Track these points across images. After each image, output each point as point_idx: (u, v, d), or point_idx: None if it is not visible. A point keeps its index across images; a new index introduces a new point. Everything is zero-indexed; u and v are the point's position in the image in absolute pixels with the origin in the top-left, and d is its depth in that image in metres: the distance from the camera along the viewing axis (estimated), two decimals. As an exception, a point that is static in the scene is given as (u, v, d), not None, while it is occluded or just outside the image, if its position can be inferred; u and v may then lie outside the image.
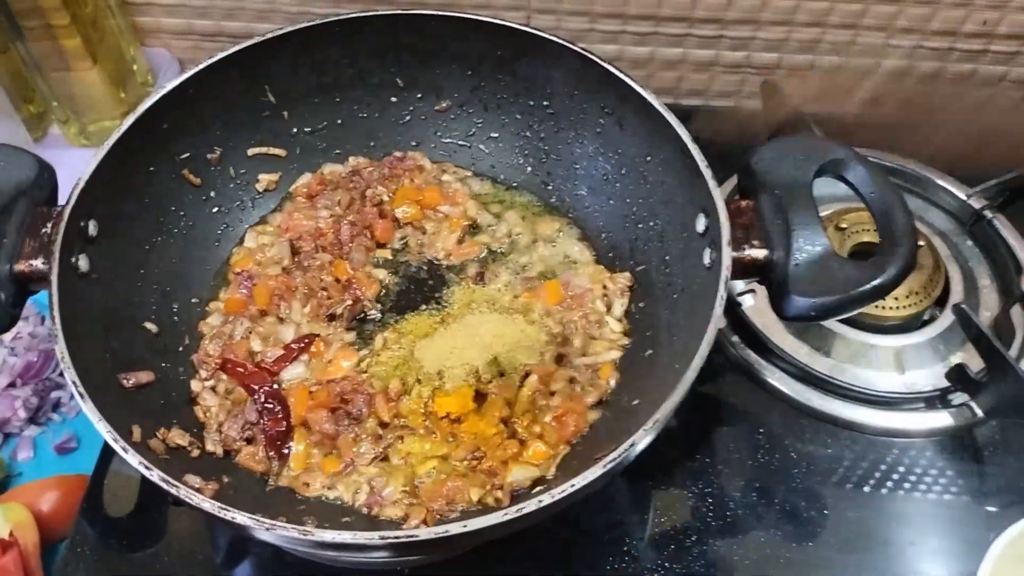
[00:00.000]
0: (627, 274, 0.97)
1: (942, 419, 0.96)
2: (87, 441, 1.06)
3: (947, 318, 1.00)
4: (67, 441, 1.05)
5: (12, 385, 1.07)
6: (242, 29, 1.29)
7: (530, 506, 0.65)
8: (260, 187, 1.05)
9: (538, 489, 0.82)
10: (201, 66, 0.91)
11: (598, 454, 0.75)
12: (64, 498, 0.96)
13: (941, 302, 1.02)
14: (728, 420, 0.98)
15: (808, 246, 0.77)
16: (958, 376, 0.96)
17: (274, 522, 0.64)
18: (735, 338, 1.01)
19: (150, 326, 0.90)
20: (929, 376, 0.98)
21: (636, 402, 0.85)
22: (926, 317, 1.01)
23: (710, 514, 0.91)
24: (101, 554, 0.89)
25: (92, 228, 0.82)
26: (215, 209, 1.01)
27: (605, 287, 0.96)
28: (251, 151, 1.03)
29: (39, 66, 1.19)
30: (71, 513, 0.93)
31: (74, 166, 0.82)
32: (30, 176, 0.81)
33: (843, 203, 1.05)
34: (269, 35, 0.93)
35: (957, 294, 1.02)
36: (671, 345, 0.86)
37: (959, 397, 0.97)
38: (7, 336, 1.10)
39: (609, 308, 0.95)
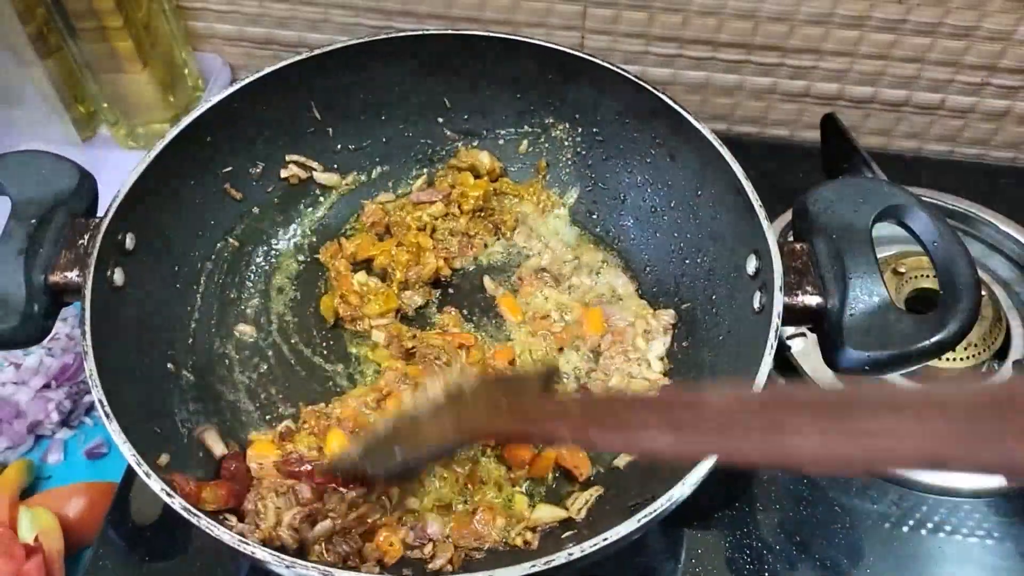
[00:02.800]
0: (671, 311, 0.94)
1: (996, 479, 0.91)
2: (118, 447, 1.05)
3: (1006, 372, 0.95)
4: (98, 446, 1.05)
5: (47, 387, 1.07)
6: (294, 38, 1.28)
7: (559, 559, 0.63)
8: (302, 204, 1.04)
9: (568, 533, 0.79)
10: (246, 80, 0.89)
11: (632, 501, 0.73)
12: (91, 505, 0.96)
13: (1001, 355, 0.97)
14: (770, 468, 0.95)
15: (865, 296, 0.74)
16: (1015, 435, 0.91)
17: (294, 560, 0.62)
18: (781, 381, 0.98)
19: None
20: (985, 434, 0.93)
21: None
22: (984, 371, 0.96)
23: (747, 567, 0.87)
24: (124, 563, 0.88)
25: (129, 241, 0.81)
26: (256, 224, 1.00)
27: (648, 323, 0.93)
28: (284, 170, 1.02)
29: (91, 67, 1.19)
30: (97, 520, 0.92)
31: (121, 167, 0.82)
32: (71, 186, 0.80)
33: (902, 246, 1.01)
34: (317, 51, 0.92)
35: (1018, 348, 0.98)
36: (714, 390, 0.83)
37: (1015, 457, 0.92)
38: (44, 337, 1.11)
39: (650, 346, 0.92)
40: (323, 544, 0.76)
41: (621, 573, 0.88)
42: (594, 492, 0.83)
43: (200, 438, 0.85)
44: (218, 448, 0.85)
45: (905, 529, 0.90)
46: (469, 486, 0.85)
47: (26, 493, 0.99)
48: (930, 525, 0.90)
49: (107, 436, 1.06)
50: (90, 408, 1.09)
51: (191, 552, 0.89)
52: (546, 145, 1.05)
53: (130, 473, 0.94)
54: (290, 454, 0.84)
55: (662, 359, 0.92)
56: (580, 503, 0.82)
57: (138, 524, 0.91)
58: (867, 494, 0.92)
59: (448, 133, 1.05)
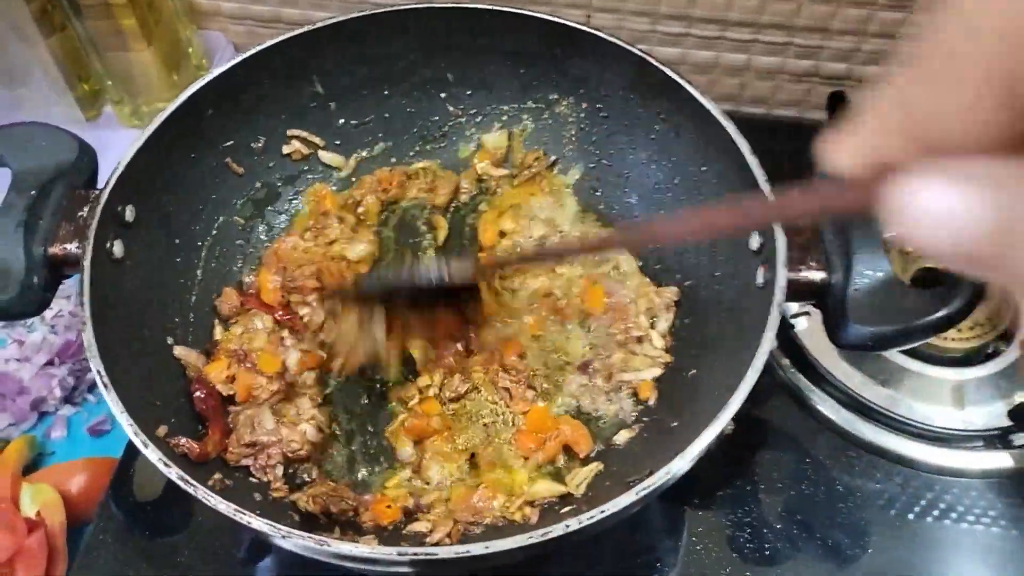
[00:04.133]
0: (674, 288, 0.93)
1: (1002, 460, 0.90)
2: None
3: (1013, 353, 0.94)
4: (101, 423, 1.05)
5: (50, 363, 1.07)
6: (299, 16, 1.27)
7: (556, 531, 0.62)
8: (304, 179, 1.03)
9: (567, 509, 0.79)
10: (248, 53, 0.89)
11: (631, 477, 0.72)
12: (93, 481, 0.96)
13: (1007, 336, 0.96)
14: (773, 446, 0.94)
15: (869, 271, 0.73)
16: (1021, 415, 0.91)
17: (290, 530, 0.62)
18: (785, 360, 0.97)
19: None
20: (990, 414, 0.93)
21: (675, 424, 0.81)
22: (990, 351, 0.96)
23: (748, 545, 0.86)
24: (126, 538, 0.88)
25: (129, 214, 0.81)
26: (257, 199, 1.00)
27: (650, 300, 0.92)
28: (286, 146, 1.01)
29: (95, 45, 1.18)
30: (99, 496, 0.92)
31: (125, 146, 0.81)
32: (70, 158, 0.80)
33: (908, 225, 0.99)
34: (320, 24, 0.91)
35: (1025, 328, 0.96)
36: (716, 367, 0.82)
37: (1022, 438, 0.91)
38: (48, 313, 1.11)
39: (653, 323, 0.92)
40: (310, 499, 0.77)
41: (622, 551, 0.87)
42: (593, 468, 0.83)
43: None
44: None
45: (911, 511, 0.89)
46: (478, 465, 0.85)
47: (29, 469, 0.99)
48: (938, 509, 0.89)
49: (110, 413, 1.05)
50: (93, 385, 1.09)
51: (192, 528, 0.89)
52: (549, 121, 1.04)
53: (131, 448, 0.94)
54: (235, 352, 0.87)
55: (664, 336, 0.91)
56: (579, 479, 0.81)
57: (139, 500, 0.91)
58: (872, 475, 0.91)
59: (451, 108, 1.04)
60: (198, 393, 0.83)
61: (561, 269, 0.96)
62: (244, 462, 0.81)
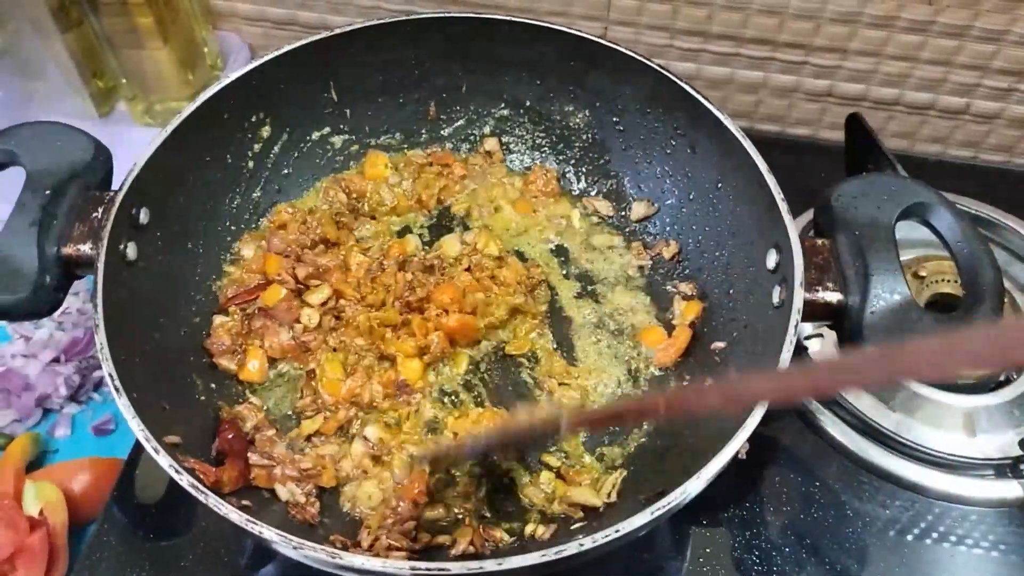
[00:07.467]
0: (687, 305, 0.93)
1: (1012, 490, 0.89)
2: (125, 424, 1.04)
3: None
4: (105, 422, 1.04)
5: (56, 361, 1.07)
6: (315, 19, 1.27)
7: (570, 548, 0.62)
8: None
9: (577, 525, 0.78)
10: (265, 58, 0.89)
11: (644, 495, 0.72)
12: (96, 480, 0.95)
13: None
14: (781, 467, 0.93)
15: (886, 293, 0.72)
16: (1034, 445, 0.90)
17: (302, 541, 0.62)
18: (795, 380, 0.96)
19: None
20: (1001, 442, 0.92)
21: (691, 440, 0.81)
22: (1002, 378, 0.95)
23: (755, 568, 0.86)
24: (128, 540, 0.88)
25: (143, 216, 0.80)
26: (272, 204, 1.00)
27: (664, 318, 0.92)
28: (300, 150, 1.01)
29: (111, 42, 1.18)
30: (102, 496, 0.92)
31: (137, 144, 0.81)
32: (85, 158, 0.80)
33: (923, 249, 0.99)
34: (337, 31, 0.91)
35: (1039, 356, 0.96)
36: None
37: (1033, 467, 0.91)
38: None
39: (667, 340, 0.92)
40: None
41: (626, 570, 0.87)
42: (619, 475, 0.82)
43: None
44: None
45: (919, 537, 0.88)
46: None
47: (32, 466, 0.99)
48: (946, 536, 0.89)
49: (115, 412, 1.05)
50: (99, 384, 1.08)
51: (195, 532, 0.89)
52: (564, 133, 1.04)
53: (136, 451, 0.94)
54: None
55: (678, 351, 0.91)
56: (608, 487, 0.81)
57: (143, 502, 0.91)
58: (881, 499, 0.91)
59: (465, 118, 1.04)
60: (226, 434, 0.81)
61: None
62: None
